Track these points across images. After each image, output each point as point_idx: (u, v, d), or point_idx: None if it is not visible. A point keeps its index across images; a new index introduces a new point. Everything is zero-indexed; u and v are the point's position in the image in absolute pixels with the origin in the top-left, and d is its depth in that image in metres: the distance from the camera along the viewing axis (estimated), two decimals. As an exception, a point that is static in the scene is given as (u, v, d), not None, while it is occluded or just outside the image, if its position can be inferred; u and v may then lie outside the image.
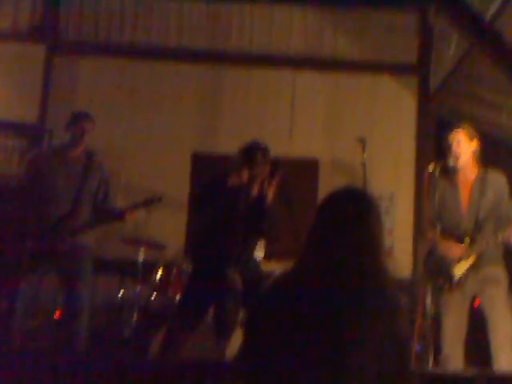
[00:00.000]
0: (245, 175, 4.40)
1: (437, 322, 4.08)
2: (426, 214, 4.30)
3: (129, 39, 6.61)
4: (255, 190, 4.43)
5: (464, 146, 4.09)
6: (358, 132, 6.04)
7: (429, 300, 4.11)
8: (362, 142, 4.86)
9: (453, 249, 4.07)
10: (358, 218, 1.87)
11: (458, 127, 4.15)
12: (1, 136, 6.36)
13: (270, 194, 4.52)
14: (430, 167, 4.15)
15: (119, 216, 4.73)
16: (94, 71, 6.56)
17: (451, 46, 5.95)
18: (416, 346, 4.24)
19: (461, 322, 4.10)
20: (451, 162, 4.11)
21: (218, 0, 6.54)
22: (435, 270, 4.11)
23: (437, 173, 4.10)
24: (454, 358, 4.06)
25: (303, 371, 1.70)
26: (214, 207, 4.34)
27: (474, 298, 4.18)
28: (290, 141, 6.32)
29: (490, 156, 4.37)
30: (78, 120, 4.72)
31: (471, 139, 4.11)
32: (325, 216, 1.91)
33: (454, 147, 4.09)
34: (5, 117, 6.33)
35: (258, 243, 4.75)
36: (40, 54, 6.50)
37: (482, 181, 4.11)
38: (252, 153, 4.46)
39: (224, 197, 4.30)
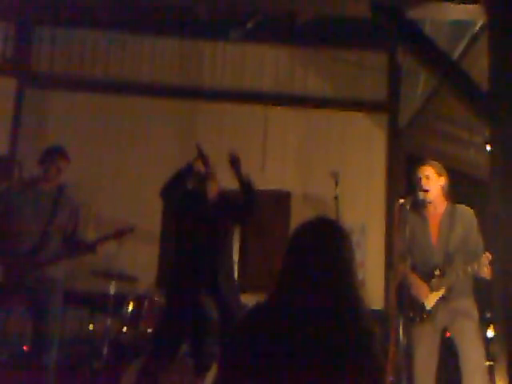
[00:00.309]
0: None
1: (409, 353, 4.09)
2: (397, 247, 4.34)
3: (101, 74, 6.64)
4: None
5: (432, 181, 4.18)
6: (330, 166, 6.11)
7: (401, 331, 4.13)
8: (335, 176, 4.92)
9: (420, 288, 4.13)
10: (330, 247, 1.88)
11: (427, 163, 4.25)
12: (-30, 168, 6.28)
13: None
14: (401, 200, 4.22)
15: (90, 248, 4.68)
16: (65, 105, 6.55)
17: (419, 83, 6.10)
18: (389, 378, 4.24)
19: (432, 353, 4.13)
20: (421, 196, 4.18)
21: (191, 37, 6.62)
22: (406, 302, 4.14)
23: (407, 205, 4.16)
24: None
25: None
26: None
27: (444, 330, 4.22)
28: (263, 174, 6.36)
29: (458, 190, 4.46)
30: (53, 157, 4.66)
31: (439, 175, 4.21)
32: (297, 245, 1.91)
33: (423, 182, 4.17)
34: (-26, 149, 6.26)
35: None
36: (11, 86, 6.49)
37: (450, 214, 4.20)
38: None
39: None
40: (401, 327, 4.13)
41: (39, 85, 6.57)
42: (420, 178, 4.17)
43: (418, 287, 4.14)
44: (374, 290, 5.69)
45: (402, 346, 4.07)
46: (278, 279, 1.89)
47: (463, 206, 4.25)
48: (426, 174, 4.19)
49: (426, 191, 4.16)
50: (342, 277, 1.84)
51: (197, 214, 4.54)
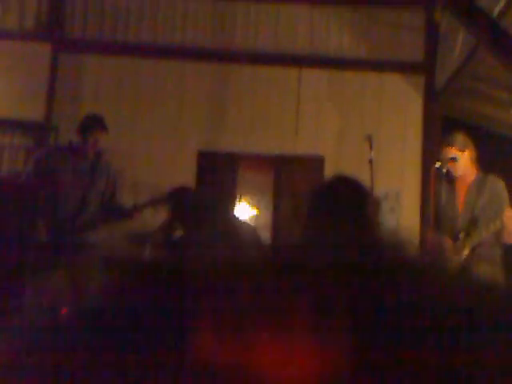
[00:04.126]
0: None
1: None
2: (427, 213, 4.38)
3: (134, 37, 6.61)
4: None
5: (458, 161, 4.18)
6: (364, 130, 6.03)
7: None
8: (370, 139, 4.84)
9: (442, 241, 4.16)
10: (352, 203, 1.89)
11: (449, 144, 4.22)
12: (7, 134, 6.37)
13: None
14: (437, 163, 4.20)
15: (128, 215, 4.74)
16: (99, 69, 6.57)
17: (457, 43, 5.93)
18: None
19: None
20: (449, 173, 4.21)
21: (223, -2, 6.54)
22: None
23: (444, 169, 4.16)
24: None
25: None
26: None
27: None
28: (296, 138, 6.32)
29: (499, 155, 4.41)
30: (92, 129, 4.69)
31: (463, 150, 4.18)
32: (316, 206, 1.92)
33: (450, 164, 4.18)
34: (11, 115, 6.33)
35: None
36: (46, 52, 6.51)
37: (479, 184, 4.21)
38: None
39: None
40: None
41: (73, 49, 6.58)
42: (446, 161, 4.19)
43: (437, 243, 4.18)
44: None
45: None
46: (302, 234, 1.91)
47: (494, 176, 4.25)
48: (450, 155, 4.18)
49: (454, 171, 4.19)
50: (362, 233, 1.84)
51: None
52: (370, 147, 4.85)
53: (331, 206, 1.92)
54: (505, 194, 4.18)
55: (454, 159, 4.16)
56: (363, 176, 5.45)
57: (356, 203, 1.93)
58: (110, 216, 4.75)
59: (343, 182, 2.01)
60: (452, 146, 4.19)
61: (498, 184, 4.22)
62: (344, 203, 1.92)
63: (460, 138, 4.24)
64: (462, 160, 4.19)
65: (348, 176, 2.12)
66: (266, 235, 6.03)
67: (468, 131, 5.67)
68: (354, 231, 1.83)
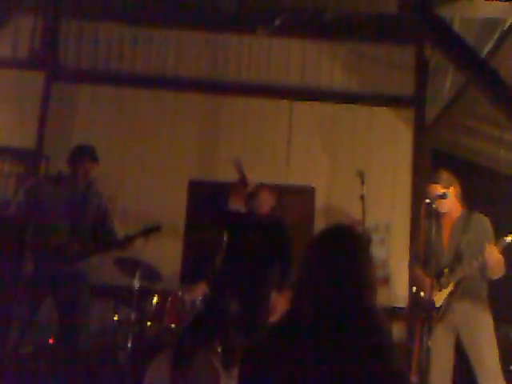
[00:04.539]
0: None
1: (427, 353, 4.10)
2: (415, 249, 4.45)
3: (128, 68, 6.66)
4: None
5: (442, 199, 4.21)
6: (355, 162, 6.10)
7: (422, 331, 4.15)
8: (361, 175, 4.89)
9: (424, 280, 4.18)
10: (348, 256, 1.86)
11: (435, 182, 4.27)
12: (-2, 161, 6.36)
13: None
14: (427, 200, 4.24)
15: (119, 245, 4.72)
16: (92, 99, 6.59)
17: (447, 80, 6.03)
18: (414, 378, 4.23)
19: (445, 353, 4.16)
20: (432, 209, 4.21)
21: (217, 30, 6.61)
22: (418, 303, 4.22)
23: (434, 205, 4.19)
24: None
25: None
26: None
27: (460, 328, 4.22)
28: (288, 169, 6.36)
29: (487, 189, 4.45)
30: (83, 159, 4.70)
31: (449, 187, 4.23)
32: (315, 255, 1.90)
33: (433, 202, 4.19)
34: (3, 142, 6.34)
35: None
36: (39, 81, 6.53)
37: (464, 220, 4.25)
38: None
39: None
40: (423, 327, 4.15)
41: (66, 79, 6.60)
42: (427, 200, 4.20)
43: (422, 280, 4.22)
44: (398, 288, 5.66)
45: (425, 346, 4.07)
46: (295, 292, 1.89)
47: (479, 213, 4.29)
48: (436, 192, 4.22)
49: (439, 207, 4.21)
50: (358, 286, 1.83)
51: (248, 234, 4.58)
52: (362, 183, 4.88)
53: (330, 257, 1.88)
54: (490, 231, 4.24)
55: (442, 196, 4.20)
56: (354, 208, 5.52)
57: (356, 255, 1.88)
58: (101, 246, 4.72)
59: (343, 231, 1.98)
60: (437, 182, 4.25)
61: (483, 221, 4.27)
62: (343, 255, 1.89)
63: (445, 175, 4.31)
64: (447, 201, 4.25)
65: (347, 226, 2.08)
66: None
67: (456, 166, 5.75)
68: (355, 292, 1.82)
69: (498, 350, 4.07)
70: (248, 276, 4.45)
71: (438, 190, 4.24)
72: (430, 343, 4.04)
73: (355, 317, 1.78)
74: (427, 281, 4.19)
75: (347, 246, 1.88)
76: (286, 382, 1.71)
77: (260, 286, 4.52)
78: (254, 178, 6.16)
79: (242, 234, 4.59)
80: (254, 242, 4.57)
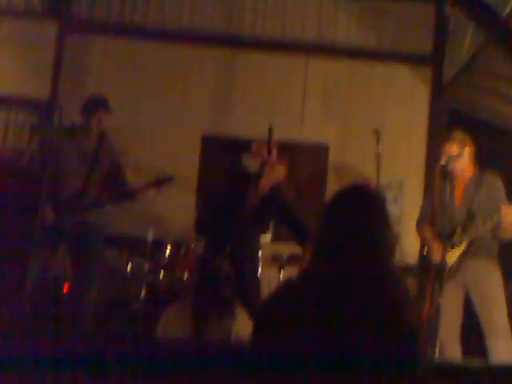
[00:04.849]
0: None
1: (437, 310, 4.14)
2: (424, 209, 4.48)
3: (141, 20, 6.58)
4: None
5: (459, 159, 4.25)
6: (370, 119, 6.05)
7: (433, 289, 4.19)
8: (377, 134, 4.86)
9: (435, 248, 4.25)
10: (365, 216, 1.85)
11: (450, 140, 4.28)
12: (12, 112, 6.35)
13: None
14: (443, 160, 4.25)
15: (131, 195, 4.77)
16: (105, 51, 6.54)
17: (466, 38, 5.93)
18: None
19: (455, 311, 4.23)
20: (446, 169, 4.28)
21: (233, -17, 6.52)
22: (429, 261, 4.25)
23: (448, 166, 4.21)
24: (450, 346, 4.16)
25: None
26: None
27: (470, 285, 4.25)
28: (302, 126, 6.31)
29: (504, 149, 4.47)
30: (95, 109, 4.74)
31: (463, 148, 4.23)
32: (332, 214, 1.89)
33: (448, 162, 4.25)
34: (17, 93, 6.31)
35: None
36: (52, 31, 6.48)
37: (476, 180, 4.30)
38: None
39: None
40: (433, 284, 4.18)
41: (80, 30, 6.55)
42: (443, 161, 4.26)
43: (431, 240, 4.30)
44: (409, 245, 5.66)
45: (435, 303, 4.11)
46: (312, 250, 1.89)
47: (491, 173, 4.33)
48: (450, 152, 4.26)
49: (453, 168, 4.26)
50: (376, 247, 1.82)
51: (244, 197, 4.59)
52: (378, 141, 4.86)
53: (347, 218, 1.86)
54: (501, 190, 4.27)
55: (458, 156, 4.21)
56: (367, 166, 5.49)
57: (373, 214, 1.87)
58: (112, 196, 4.76)
59: (361, 191, 1.94)
60: (453, 143, 4.25)
61: (495, 180, 4.31)
62: (360, 214, 1.86)
63: (459, 135, 4.31)
64: (462, 162, 4.27)
65: (365, 185, 2.07)
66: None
67: (473, 126, 5.70)
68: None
69: (506, 308, 4.11)
70: (239, 239, 4.49)
71: (454, 149, 4.24)
72: (440, 301, 4.07)
73: (372, 274, 1.79)
74: (436, 241, 4.23)
75: (364, 204, 1.88)
76: (300, 337, 1.72)
77: (249, 248, 4.58)
78: (266, 134, 6.17)
79: (240, 196, 4.61)
80: (250, 206, 4.59)
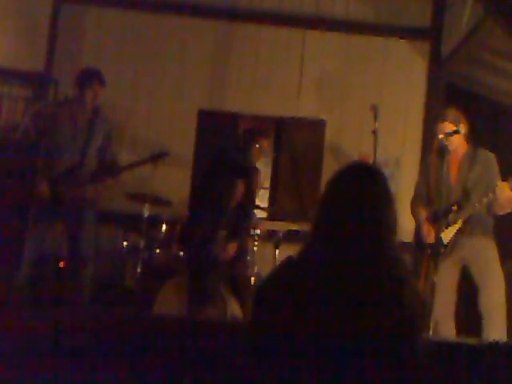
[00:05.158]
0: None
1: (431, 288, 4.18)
2: (419, 187, 4.49)
3: (138, -9, 6.49)
4: None
5: (452, 136, 4.24)
6: (367, 95, 6.00)
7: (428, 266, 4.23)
8: (375, 109, 4.81)
9: (426, 231, 4.30)
10: (367, 194, 1.83)
11: (444, 118, 4.27)
12: (6, 84, 6.30)
13: None
14: (440, 136, 4.25)
15: (114, 172, 4.76)
16: (101, 22, 6.46)
17: (465, 12, 5.86)
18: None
19: (450, 288, 4.27)
20: (442, 146, 4.27)
21: (230, -45, 6.40)
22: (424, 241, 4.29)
23: (446, 142, 4.21)
24: (444, 324, 4.20)
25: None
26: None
27: (464, 267, 4.29)
28: (298, 101, 6.26)
29: (502, 125, 4.46)
30: (90, 81, 4.69)
31: (458, 125, 4.22)
32: (333, 193, 1.87)
33: (443, 139, 4.23)
34: (11, 65, 6.25)
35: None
36: (47, 2, 6.38)
37: (470, 157, 4.30)
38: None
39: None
40: (429, 262, 4.22)
41: (76, 1, 6.45)
42: (439, 135, 4.24)
43: (426, 229, 4.33)
44: (405, 223, 5.65)
45: (430, 281, 4.15)
46: (312, 229, 1.86)
47: (484, 149, 4.34)
48: (444, 130, 4.23)
49: (447, 145, 4.24)
50: (378, 225, 1.81)
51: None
52: (375, 118, 4.81)
53: (348, 194, 1.84)
54: (495, 167, 4.29)
55: (456, 132, 4.21)
56: (364, 142, 5.47)
57: (375, 192, 1.84)
58: (98, 171, 4.74)
59: (362, 169, 1.92)
60: (446, 120, 4.24)
61: (488, 157, 4.33)
62: (362, 193, 1.84)
63: (453, 111, 4.30)
64: (455, 139, 4.28)
65: (366, 163, 2.04)
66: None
67: (471, 101, 5.67)
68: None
69: (504, 284, 4.16)
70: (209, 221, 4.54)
71: (448, 127, 4.23)
72: (435, 278, 4.11)
73: (373, 254, 1.78)
74: (430, 222, 4.26)
75: (367, 182, 1.85)
76: (299, 317, 1.73)
77: (216, 231, 4.63)
78: (263, 109, 6.14)
79: (215, 180, 4.66)
80: (221, 189, 4.62)
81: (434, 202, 4.34)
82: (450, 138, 4.22)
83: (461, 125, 4.26)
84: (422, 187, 4.50)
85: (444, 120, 4.27)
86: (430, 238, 4.27)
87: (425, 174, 4.51)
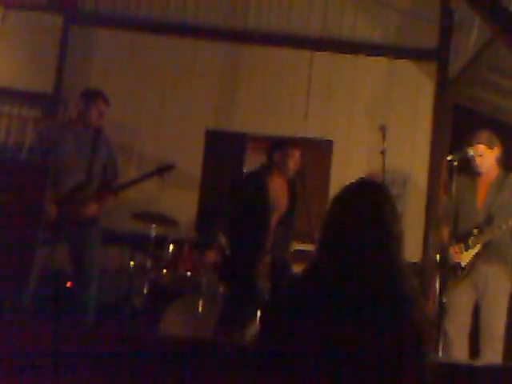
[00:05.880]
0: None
1: (443, 309, 4.13)
2: (442, 207, 4.43)
3: (146, 13, 6.55)
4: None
5: (486, 158, 4.24)
6: (374, 115, 6.02)
7: (437, 287, 4.19)
8: (383, 129, 4.81)
9: (455, 254, 4.22)
10: (374, 210, 1.83)
11: (479, 141, 4.23)
12: (15, 105, 6.35)
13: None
14: (449, 157, 4.23)
15: (113, 191, 4.77)
16: (110, 44, 6.53)
17: (472, 33, 5.88)
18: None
19: (466, 311, 4.22)
20: (475, 169, 4.28)
21: (237, -23, 6.47)
22: (445, 262, 4.24)
23: (455, 162, 4.18)
24: (457, 345, 4.16)
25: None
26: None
27: (479, 289, 4.24)
28: (306, 121, 6.28)
29: (510, 146, 4.44)
30: (96, 100, 4.71)
31: (492, 148, 4.20)
32: (340, 207, 1.87)
33: (478, 161, 4.24)
34: (20, 86, 6.31)
35: None
36: (57, 24, 6.46)
37: (500, 181, 4.26)
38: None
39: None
40: (438, 283, 4.19)
41: (84, 23, 6.53)
42: (473, 157, 4.22)
43: (446, 241, 4.25)
44: (412, 243, 5.64)
45: (438, 302, 4.12)
46: (318, 245, 1.87)
47: None
48: (479, 152, 4.22)
49: (481, 167, 4.25)
50: (384, 241, 1.81)
51: None
52: (383, 137, 4.81)
53: (355, 212, 1.84)
54: None
55: (481, 156, 4.19)
56: (371, 162, 5.47)
57: (382, 209, 1.85)
58: (99, 189, 4.75)
59: (369, 185, 1.93)
60: (480, 142, 4.20)
61: None
62: (369, 209, 1.84)
63: (487, 134, 4.27)
64: (489, 157, 4.22)
65: (373, 180, 2.05)
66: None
67: (478, 122, 5.65)
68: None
69: (505, 318, 4.15)
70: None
71: (481, 149, 4.21)
72: (444, 299, 4.07)
73: (380, 269, 1.77)
74: (449, 241, 4.21)
75: (374, 198, 1.86)
76: (307, 331, 1.72)
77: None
78: (271, 129, 6.17)
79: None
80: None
81: (458, 223, 4.29)
82: (482, 160, 4.20)
83: (495, 149, 4.24)
84: (448, 207, 4.40)
85: (478, 142, 4.24)
86: (456, 257, 4.22)
87: (449, 189, 4.40)
